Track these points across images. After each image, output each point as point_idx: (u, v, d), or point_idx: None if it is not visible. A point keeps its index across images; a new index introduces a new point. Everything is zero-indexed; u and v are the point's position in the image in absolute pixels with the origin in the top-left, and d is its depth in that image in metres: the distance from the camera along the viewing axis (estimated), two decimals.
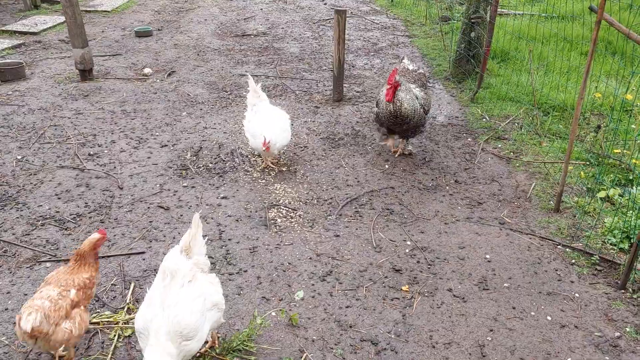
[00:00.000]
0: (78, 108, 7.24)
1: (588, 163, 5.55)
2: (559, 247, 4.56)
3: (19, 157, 5.91)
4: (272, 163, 5.75)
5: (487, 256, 4.44)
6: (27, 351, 3.47)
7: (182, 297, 2.98)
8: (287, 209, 5.07)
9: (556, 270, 4.29)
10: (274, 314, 3.79)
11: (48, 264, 4.26)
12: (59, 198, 5.17)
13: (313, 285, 4.09)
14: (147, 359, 2.84)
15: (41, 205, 5.04)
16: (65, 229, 4.71)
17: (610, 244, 4.50)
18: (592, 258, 4.37)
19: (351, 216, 4.96)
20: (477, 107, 7.33)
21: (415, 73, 5.96)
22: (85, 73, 8.36)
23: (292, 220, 4.91)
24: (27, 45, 9.90)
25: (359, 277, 4.19)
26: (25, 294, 3.94)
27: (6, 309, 3.81)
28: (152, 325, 2.90)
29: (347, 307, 3.88)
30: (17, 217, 4.85)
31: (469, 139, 6.53)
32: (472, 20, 7.88)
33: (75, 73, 8.37)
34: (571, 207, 5.04)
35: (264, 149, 5.32)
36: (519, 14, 11.15)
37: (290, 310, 3.83)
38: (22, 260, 4.31)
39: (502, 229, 4.80)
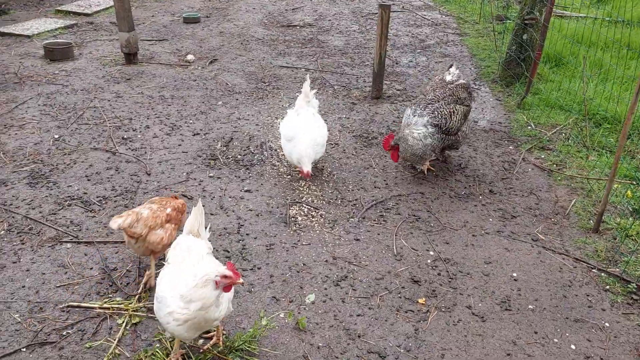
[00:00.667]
0: (118, 91, 7.34)
1: (636, 182, 5.16)
2: (593, 270, 4.26)
3: (56, 137, 6.03)
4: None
5: (514, 274, 4.19)
6: (38, 329, 3.51)
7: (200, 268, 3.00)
8: (309, 207, 4.95)
9: (587, 295, 4.00)
10: (282, 315, 3.69)
11: (69, 245, 4.31)
12: (88, 179, 5.23)
13: (326, 289, 3.97)
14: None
15: (70, 186, 5.11)
16: (90, 211, 4.75)
17: None
18: (629, 286, 4.05)
19: (375, 220, 4.80)
20: (524, 113, 6.98)
21: (451, 86, 5.47)
22: (130, 57, 8.47)
23: (313, 219, 4.79)
24: (79, 26, 10.14)
25: (374, 285, 4.03)
26: (44, 273, 4.00)
27: (23, 287, 3.87)
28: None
29: (358, 315, 3.74)
30: (47, 196, 4.94)
31: (511, 147, 6.21)
32: (526, 22, 7.50)
33: (121, 56, 8.50)
34: (612, 228, 4.70)
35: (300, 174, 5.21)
36: (581, 16, 10.58)
37: (299, 313, 3.73)
38: (44, 239, 4.37)
39: (534, 246, 4.52)
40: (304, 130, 5.11)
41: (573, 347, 3.55)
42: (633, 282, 4.06)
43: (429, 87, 5.59)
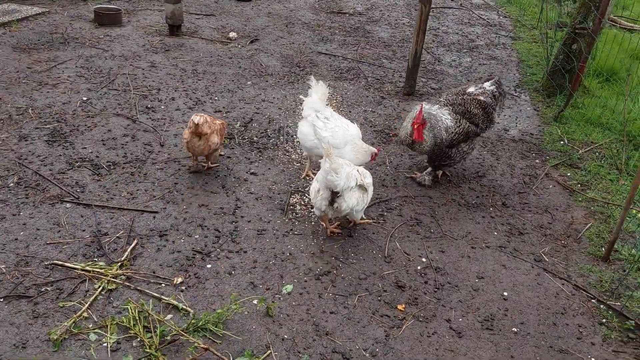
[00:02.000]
0: (154, 61, 7.47)
1: None
2: (592, 301, 4.01)
3: (85, 99, 6.21)
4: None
5: (505, 293, 3.99)
6: (19, 282, 3.63)
7: None
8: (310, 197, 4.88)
9: (579, 326, 3.76)
10: (255, 302, 3.66)
11: (68, 205, 4.43)
12: (103, 144, 5.36)
13: (306, 282, 3.91)
14: None
15: (85, 148, 5.25)
16: (98, 174, 4.87)
17: None
18: (627, 323, 3.78)
19: (373, 219, 4.68)
20: (559, 127, 6.63)
21: (467, 98, 5.13)
22: (174, 28, 8.60)
23: (312, 210, 4.71)
24: None
25: (356, 284, 3.94)
26: (38, 229, 4.13)
27: (16, 239, 4.02)
28: None
29: (331, 312, 3.67)
30: (60, 155, 5.10)
31: (537, 161, 5.92)
32: (577, 31, 7.08)
33: (166, 27, 8.64)
34: (624, 259, 4.40)
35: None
36: None
37: (273, 302, 3.69)
38: (47, 196, 4.51)
39: (534, 267, 4.30)
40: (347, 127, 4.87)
41: None
42: (632, 319, 3.79)
43: (446, 92, 5.37)
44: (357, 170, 4.16)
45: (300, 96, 5.24)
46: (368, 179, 4.27)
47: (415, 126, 4.79)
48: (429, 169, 5.23)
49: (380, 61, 8.40)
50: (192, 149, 4.72)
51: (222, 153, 5.42)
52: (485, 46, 9.57)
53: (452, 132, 4.87)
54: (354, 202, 4.07)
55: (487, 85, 5.31)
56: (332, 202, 4.04)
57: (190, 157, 5.09)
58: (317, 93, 4.98)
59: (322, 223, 4.45)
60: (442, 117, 4.92)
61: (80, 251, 3.96)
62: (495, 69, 8.45)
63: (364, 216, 4.39)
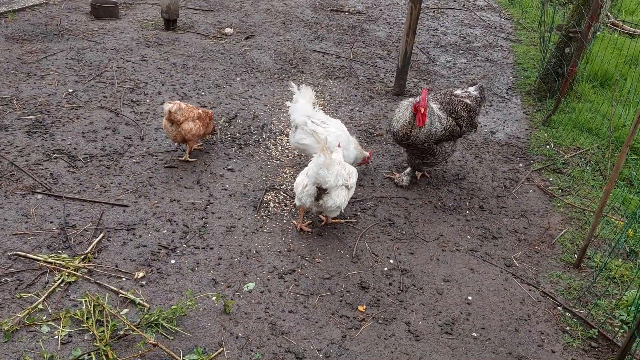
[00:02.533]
0: (145, 55, 7.49)
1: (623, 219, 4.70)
2: (558, 308, 3.95)
3: (70, 91, 6.24)
4: None
5: (470, 297, 3.95)
6: None
7: None
8: (285, 195, 4.87)
9: (542, 333, 3.71)
10: (214, 298, 3.65)
11: (39, 196, 4.45)
12: (83, 136, 5.38)
13: (269, 280, 3.90)
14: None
15: (64, 140, 5.28)
16: (73, 167, 4.89)
17: (621, 321, 3.81)
18: (591, 331, 3.73)
19: (346, 218, 4.66)
20: (547, 131, 6.55)
21: (455, 99, 5.10)
22: (169, 23, 8.61)
23: (285, 208, 4.71)
24: None
25: (319, 283, 3.92)
26: (6, 220, 4.15)
27: None
28: None
29: (290, 312, 3.65)
30: (39, 146, 5.12)
31: (520, 165, 5.85)
32: (570, 34, 7.00)
33: (162, 21, 8.65)
34: (596, 266, 4.34)
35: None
36: None
37: (231, 299, 3.68)
38: (20, 187, 4.54)
39: (503, 272, 4.25)
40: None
41: None
42: (596, 328, 3.73)
43: (433, 92, 5.31)
44: (345, 170, 4.18)
45: (287, 102, 5.14)
46: (353, 179, 4.31)
47: (422, 110, 4.57)
48: (408, 170, 5.19)
49: (374, 60, 8.36)
50: (167, 134, 4.96)
51: (202, 149, 5.41)
52: (483, 48, 9.49)
53: (444, 125, 4.85)
54: (341, 200, 4.12)
55: (471, 90, 5.28)
56: (317, 198, 4.07)
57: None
58: (305, 97, 4.94)
59: (299, 214, 4.51)
60: (435, 108, 4.91)
61: (46, 243, 3.98)
62: (489, 71, 8.37)
63: (339, 214, 4.38)
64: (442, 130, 4.84)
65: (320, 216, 4.57)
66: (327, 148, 3.91)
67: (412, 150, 5.00)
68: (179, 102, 4.90)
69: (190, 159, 5.15)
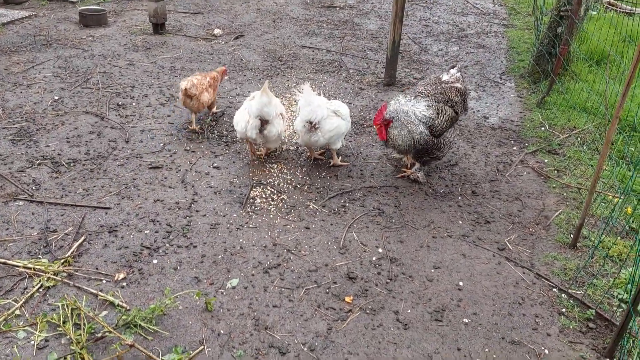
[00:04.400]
0: (133, 59, 7.44)
1: (619, 195, 4.53)
2: (554, 290, 3.81)
3: (56, 98, 6.19)
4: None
5: (461, 283, 3.83)
6: None
7: None
8: (272, 190, 4.78)
9: (536, 316, 3.58)
10: (196, 297, 3.56)
11: (21, 203, 4.39)
12: (67, 141, 5.33)
13: (253, 275, 3.80)
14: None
15: (48, 146, 5.22)
16: (57, 172, 4.83)
17: (619, 300, 3.67)
18: (588, 312, 3.59)
19: (334, 210, 4.55)
20: (542, 113, 6.40)
21: (445, 85, 4.93)
22: (157, 27, 8.58)
23: (272, 203, 4.61)
24: None
25: (305, 276, 3.82)
26: None
27: None
28: None
29: (274, 306, 3.55)
30: (23, 153, 5.07)
31: (515, 148, 5.71)
32: (562, 14, 6.84)
33: (150, 26, 8.61)
34: (592, 246, 4.19)
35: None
36: None
37: (214, 296, 3.58)
38: (2, 194, 4.48)
39: (495, 256, 4.12)
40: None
41: None
42: (593, 308, 3.59)
43: (421, 84, 5.16)
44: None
45: (302, 104, 4.84)
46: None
47: (377, 126, 4.70)
48: (417, 165, 5.00)
49: (365, 53, 8.25)
50: (189, 108, 5.52)
51: (187, 148, 5.33)
52: (476, 35, 9.35)
53: (438, 121, 4.67)
54: (280, 129, 4.92)
55: (453, 72, 5.13)
56: (261, 130, 4.79)
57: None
58: (312, 93, 4.81)
59: (249, 147, 5.27)
60: (417, 110, 4.71)
61: (26, 248, 3.91)
62: (482, 57, 8.24)
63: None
64: (441, 124, 4.70)
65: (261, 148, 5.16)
66: (266, 89, 4.60)
67: (418, 154, 4.84)
68: (190, 78, 5.38)
69: (216, 111, 6.08)
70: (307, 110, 4.70)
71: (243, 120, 4.84)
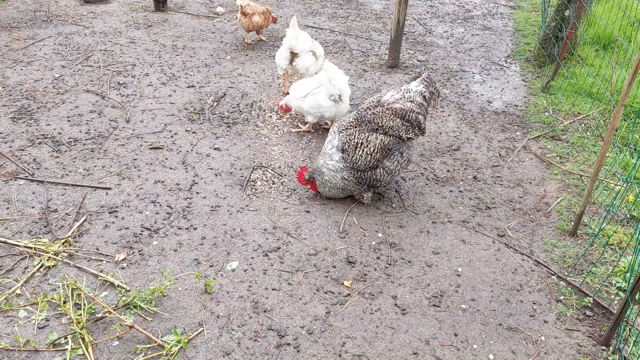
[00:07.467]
0: (134, 37, 7.37)
1: (621, 183, 4.52)
2: (552, 277, 3.82)
3: (57, 76, 6.15)
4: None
5: (460, 269, 3.84)
6: None
7: None
8: (273, 172, 4.77)
9: (534, 303, 3.59)
10: (195, 279, 3.58)
11: (22, 182, 4.39)
12: (68, 120, 5.30)
13: (252, 258, 3.81)
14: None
15: (49, 125, 5.20)
16: (57, 151, 4.82)
17: (617, 288, 3.68)
18: (585, 300, 3.60)
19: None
20: (546, 98, 6.34)
21: (380, 110, 4.23)
22: (159, 4, 8.47)
23: (273, 185, 4.61)
24: None
25: (304, 260, 3.83)
26: None
27: None
28: None
29: (273, 289, 3.57)
30: (23, 132, 5.06)
31: (518, 133, 5.68)
32: None
33: (151, 3, 8.51)
34: (593, 233, 4.19)
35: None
36: None
37: (213, 278, 3.60)
38: (2, 173, 4.48)
39: (495, 242, 4.12)
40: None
41: (491, 356, 3.21)
42: (591, 296, 3.60)
43: (361, 107, 4.40)
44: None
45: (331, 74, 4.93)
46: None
47: (307, 185, 4.46)
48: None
49: (369, 34, 8.15)
50: (241, 25, 7.01)
51: (189, 129, 5.31)
52: (482, 16, 9.22)
53: (357, 156, 4.19)
54: (309, 63, 5.86)
55: (413, 85, 4.35)
56: (291, 61, 5.79)
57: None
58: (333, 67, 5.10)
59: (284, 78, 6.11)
60: (330, 162, 4.27)
61: (27, 228, 3.92)
62: (487, 40, 8.14)
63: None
64: (366, 156, 4.17)
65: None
66: (295, 24, 5.69)
67: (357, 187, 4.38)
68: (248, 0, 6.82)
69: (263, 38, 7.53)
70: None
71: (279, 53, 5.84)
